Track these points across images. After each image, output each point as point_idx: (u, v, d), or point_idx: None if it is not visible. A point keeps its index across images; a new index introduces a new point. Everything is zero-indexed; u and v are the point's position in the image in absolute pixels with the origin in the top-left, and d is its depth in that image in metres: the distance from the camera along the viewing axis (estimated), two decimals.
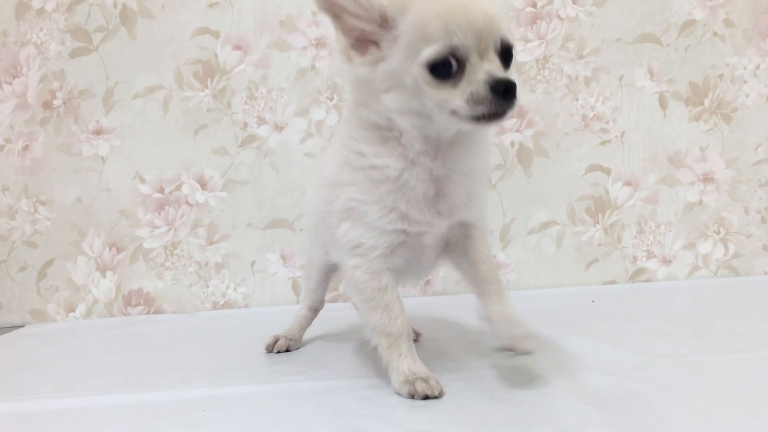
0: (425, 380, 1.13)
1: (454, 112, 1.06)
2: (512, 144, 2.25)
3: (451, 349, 1.47)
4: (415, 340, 1.55)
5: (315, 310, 1.67)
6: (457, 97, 1.04)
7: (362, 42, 1.10)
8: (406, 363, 1.17)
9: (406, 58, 1.06)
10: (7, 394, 1.32)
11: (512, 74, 1.10)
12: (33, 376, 1.48)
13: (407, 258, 1.24)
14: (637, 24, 2.24)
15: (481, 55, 1.04)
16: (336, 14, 1.10)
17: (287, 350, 1.58)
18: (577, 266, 2.27)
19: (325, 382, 1.25)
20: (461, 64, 1.04)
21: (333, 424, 1.01)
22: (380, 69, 1.09)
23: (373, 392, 1.17)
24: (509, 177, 2.26)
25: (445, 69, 1.04)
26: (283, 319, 2.02)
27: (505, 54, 1.08)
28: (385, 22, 1.08)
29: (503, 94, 1.02)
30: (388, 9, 1.07)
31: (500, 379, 1.21)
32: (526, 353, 1.14)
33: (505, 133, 2.25)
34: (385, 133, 1.14)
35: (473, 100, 1.03)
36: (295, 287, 2.25)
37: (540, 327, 1.59)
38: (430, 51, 1.04)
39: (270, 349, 1.57)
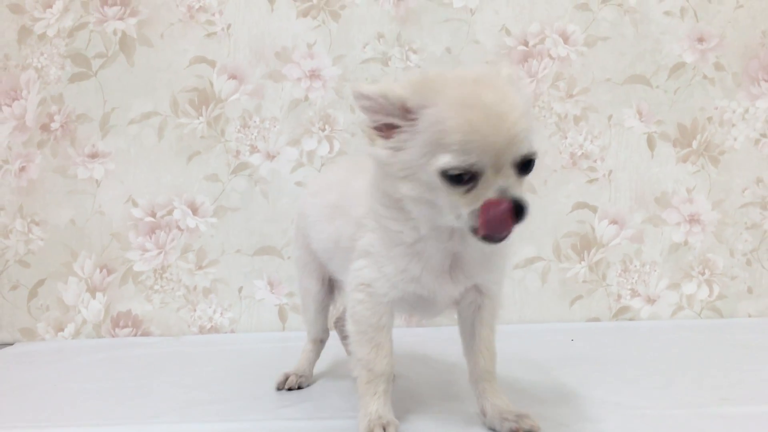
0: (384, 427, 1.15)
1: (459, 218, 1.05)
2: None
3: (419, 390, 1.49)
4: None
5: (320, 341, 1.64)
6: (465, 206, 1.03)
7: (388, 126, 1.08)
8: (375, 404, 1.19)
9: (423, 155, 1.04)
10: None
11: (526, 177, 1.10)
12: (11, 401, 1.51)
13: (414, 307, 1.27)
14: (627, 65, 2.26)
15: (498, 170, 1.03)
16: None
17: (299, 387, 1.55)
18: (561, 302, 2.28)
19: (287, 422, 1.28)
20: (475, 176, 1.03)
21: None
22: (399, 157, 1.07)
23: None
24: None
25: (458, 177, 1.03)
26: (269, 346, 2.07)
27: (525, 164, 1.06)
28: (405, 114, 1.05)
29: (518, 215, 1.02)
30: (409, 101, 1.05)
31: (456, 422, 1.22)
32: None
33: None
34: (401, 203, 1.13)
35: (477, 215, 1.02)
36: (282, 314, 2.28)
37: (512, 368, 1.63)
38: (446, 161, 1.02)
39: (281, 386, 1.54)
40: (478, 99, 1.02)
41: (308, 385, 1.57)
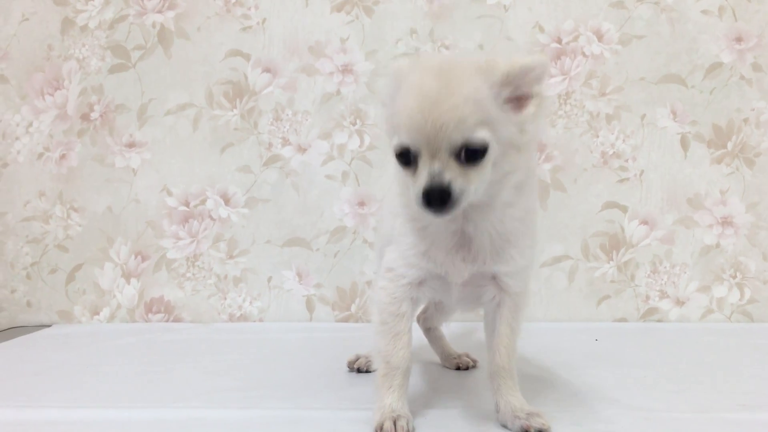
0: (395, 420, 1.17)
1: (413, 196, 1.09)
2: None
3: (437, 384, 1.51)
4: (473, 367, 1.65)
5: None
6: (412, 186, 1.09)
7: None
8: (390, 398, 1.21)
9: (390, 138, 1.13)
10: (15, 399, 1.41)
11: (484, 170, 1.08)
12: (46, 380, 1.57)
13: (435, 293, 1.28)
14: (662, 64, 2.24)
15: (433, 155, 1.05)
16: None
17: (367, 371, 1.59)
18: (588, 302, 2.27)
19: (306, 411, 1.31)
20: (416, 159, 1.07)
21: None
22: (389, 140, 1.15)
23: (355, 425, 1.22)
24: None
25: (404, 159, 1.09)
26: (295, 335, 2.11)
27: (470, 153, 1.05)
28: (389, 99, 1.15)
29: (431, 201, 1.04)
30: (388, 87, 1.14)
31: (467, 419, 1.24)
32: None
33: None
34: None
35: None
36: (309, 305, 2.31)
37: (532, 366, 1.65)
38: (393, 142, 1.10)
39: (351, 366, 1.61)
40: (421, 85, 1.06)
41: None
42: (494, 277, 1.24)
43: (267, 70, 2.30)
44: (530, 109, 1.08)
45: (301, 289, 2.32)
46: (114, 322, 2.32)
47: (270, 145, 2.30)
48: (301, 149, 2.30)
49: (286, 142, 2.30)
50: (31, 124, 2.31)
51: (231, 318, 2.32)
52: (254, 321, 2.33)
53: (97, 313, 2.33)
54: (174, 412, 1.31)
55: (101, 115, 2.31)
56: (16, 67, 2.31)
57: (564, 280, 2.28)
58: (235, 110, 2.30)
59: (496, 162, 1.08)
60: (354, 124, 2.29)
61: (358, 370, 1.61)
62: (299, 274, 2.31)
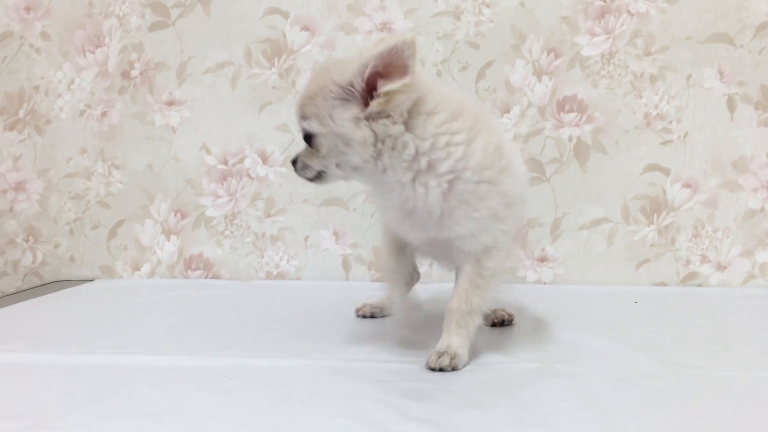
0: (453, 357, 1.27)
1: None
2: (570, 138, 2.24)
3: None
4: (509, 323, 1.67)
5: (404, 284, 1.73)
6: None
7: None
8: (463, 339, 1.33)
9: None
10: (61, 346, 1.45)
11: (320, 153, 1.27)
12: (90, 330, 1.61)
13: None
14: (710, 23, 2.17)
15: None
16: None
17: (372, 316, 1.76)
18: (627, 265, 2.25)
19: (347, 362, 1.32)
20: None
21: (340, 405, 1.07)
22: None
23: (390, 376, 1.23)
24: (564, 171, 2.25)
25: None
26: (332, 293, 2.13)
27: (306, 138, 1.28)
28: None
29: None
30: None
31: (511, 374, 1.25)
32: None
33: (564, 127, 2.24)
34: None
35: None
36: (345, 264, 2.33)
37: (570, 324, 1.64)
38: None
39: (358, 312, 1.77)
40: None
41: (381, 317, 1.75)
42: (448, 241, 1.32)
43: (305, 28, 2.29)
44: (372, 107, 1.17)
45: (338, 248, 2.33)
46: (154, 278, 2.36)
47: None
48: None
49: None
50: (72, 81, 2.33)
51: (268, 276, 2.35)
52: (291, 279, 2.35)
53: (138, 269, 2.37)
54: (216, 359, 1.34)
55: (141, 73, 2.33)
56: (58, 25, 2.32)
57: (603, 243, 2.26)
58: (273, 69, 2.30)
59: (344, 148, 1.22)
60: None
61: (364, 316, 1.76)
62: (336, 234, 2.32)
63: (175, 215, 2.35)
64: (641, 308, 1.91)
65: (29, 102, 2.34)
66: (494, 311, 1.66)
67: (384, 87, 1.15)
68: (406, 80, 1.15)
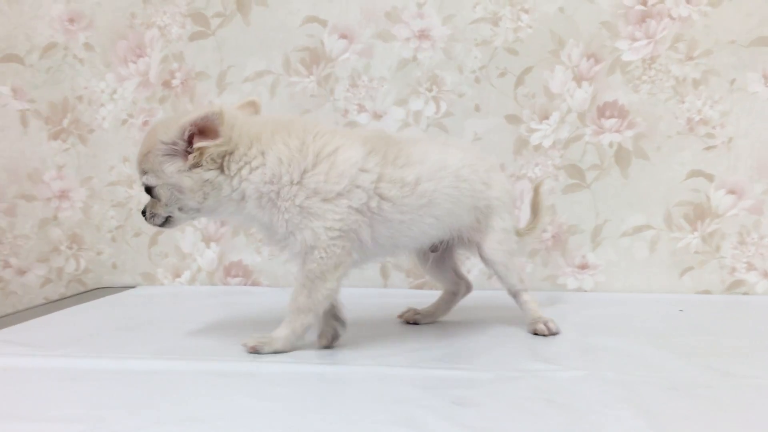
0: (266, 344, 1.44)
1: None
2: (611, 144, 2.22)
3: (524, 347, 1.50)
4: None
5: (451, 293, 1.82)
6: None
7: None
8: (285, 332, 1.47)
9: None
10: (116, 351, 1.47)
11: (162, 201, 1.47)
12: (139, 336, 1.63)
13: None
14: (754, 26, 2.14)
15: None
16: None
17: (415, 322, 1.78)
18: (670, 273, 2.21)
19: (393, 369, 1.31)
20: None
21: (391, 412, 1.06)
22: None
23: (437, 383, 1.22)
24: (605, 177, 2.23)
25: None
26: (370, 301, 2.11)
27: (147, 190, 1.48)
28: None
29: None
30: None
31: (560, 382, 1.23)
32: None
33: (604, 132, 2.21)
34: None
35: None
36: (384, 271, 2.32)
37: (616, 332, 1.62)
38: None
39: (401, 318, 1.80)
40: None
41: (426, 323, 1.77)
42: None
43: (343, 36, 2.30)
44: (189, 160, 1.39)
45: None
46: (194, 285, 2.38)
47: (346, 111, 2.31)
48: (377, 116, 2.30)
49: (362, 108, 2.30)
50: (115, 91, 2.37)
51: None
52: None
53: (179, 276, 2.39)
54: (261, 365, 1.34)
55: (182, 82, 2.36)
56: (101, 36, 2.37)
57: (645, 250, 2.23)
58: (311, 77, 2.31)
59: (179, 195, 1.42)
60: (430, 91, 2.27)
61: (407, 322, 1.78)
62: None
63: (215, 221, 2.37)
64: (687, 317, 1.88)
65: (73, 112, 2.38)
66: (534, 324, 1.65)
67: (196, 144, 1.38)
68: (217, 141, 1.38)
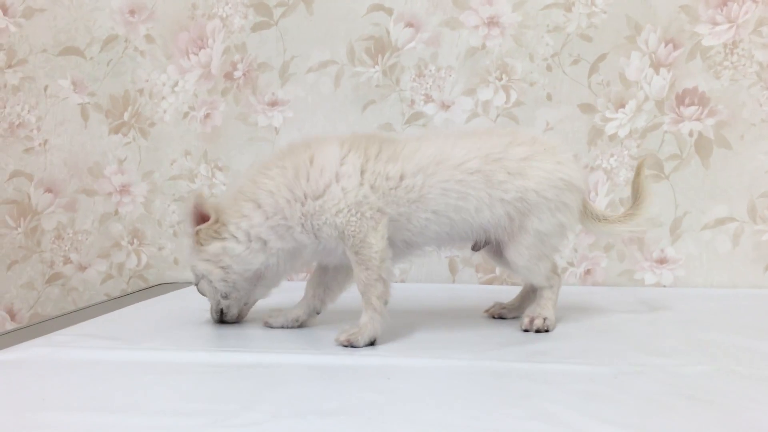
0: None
1: None
2: (690, 133, 2.13)
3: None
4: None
5: (530, 286, 1.69)
6: None
7: None
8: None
9: None
10: (202, 345, 1.42)
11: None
12: (220, 330, 1.57)
13: None
14: None
15: None
16: None
17: (501, 317, 1.69)
18: (754, 267, 2.12)
19: (501, 363, 1.25)
20: None
21: (522, 406, 0.99)
22: None
23: (557, 378, 1.14)
24: (684, 168, 2.14)
25: None
26: (441, 296, 2.05)
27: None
28: None
29: None
30: None
31: (689, 377, 1.15)
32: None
33: (683, 121, 2.13)
34: None
35: None
36: (452, 266, 2.25)
37: (721, 328, 1.53)
38: None
39: (487, 313, 1.71)
40: None
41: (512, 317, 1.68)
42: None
43: (410, 24, 2.23)
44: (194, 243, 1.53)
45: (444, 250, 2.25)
46: None
47: (412, 102, 2.24)
48: (445, 106, 2.23)
49: (428, 98, 2.24)
50: (176, 84, 2.33)
51: None
52: (395, 282, 2.27)
53: None
54: (362, 358, 1.28)
55: (244, 74, 2.30)
56: (162, 27, 2.32)
57: (728, 243, 2.13)
58: (376, 66, 2.25)
59: (210, 286, 1.56)
60: (500, 80, 2.20)
61: (492, 317, 1.69)
62: None
63: None
64: None
65: (134, 105, 2.34)
66: (529, 317, 1.55)
67: (194, 229, 1.50)
68: (209, 222, 1.49)
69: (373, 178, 1.43)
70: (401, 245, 1.51)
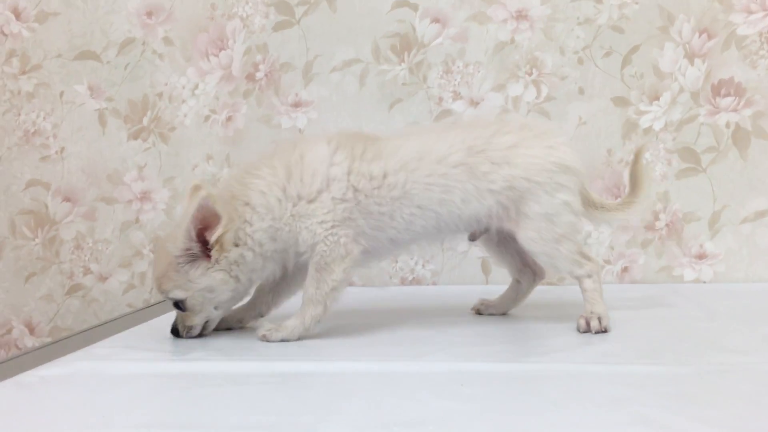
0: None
1: None
2: (727, 125, 2.09)
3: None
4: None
5: (515, 281, 1.72)
6: None
7: None
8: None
9: None
10: (250, 355, 1.35)
11: (194, 309, 1.46)
12: (240, 338, 1.51)
13: None
14: None
15: None
16: None
17: (479, 313, 1.74)
18: None
19: (576, 365, 1.19)
20: None
21: (618, 411, 0.94)
22: None
23: (640, 380, 1.09)
24: (722, 160, 2.09)
25: None
26: (471, 298, 1.98)
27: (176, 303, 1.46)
28: None
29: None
30: None
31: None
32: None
33: (720, 112, 2.08)
34: None
35: None
36: (485, 267, 2.20)
37: (748, 325, 1.48)
38: None
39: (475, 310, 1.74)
40: None
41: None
42: None
43: (436, 20, 2.18)
44: (214, 256, 1.41)
45: (476, 250, 2.20)
46: None
47: (440, 99, 2.19)
48: (474, 103, 2.18)
49: (457, 95, 2.18)
50: (197, 86, 2.26)
51: (403, 282, 2.23)
52: (427, 284, 2.23)
53: None
54: (427, 365, 1.22)
55: (266, 75, 2.24)
56: (181, 29, 2.26)
57: None
58: (403, 64, 2.20)
59: (211, 295, 1.43)
60: (530, 74, 2.15)
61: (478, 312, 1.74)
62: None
63: None
64: None
65: (153, 109, 2.27)
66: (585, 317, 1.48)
67: (212, 237, 1.38)
68: (223, 222, 1.38)
69: (358, 179, 1.44)
70: (388, 244, 1.51)
